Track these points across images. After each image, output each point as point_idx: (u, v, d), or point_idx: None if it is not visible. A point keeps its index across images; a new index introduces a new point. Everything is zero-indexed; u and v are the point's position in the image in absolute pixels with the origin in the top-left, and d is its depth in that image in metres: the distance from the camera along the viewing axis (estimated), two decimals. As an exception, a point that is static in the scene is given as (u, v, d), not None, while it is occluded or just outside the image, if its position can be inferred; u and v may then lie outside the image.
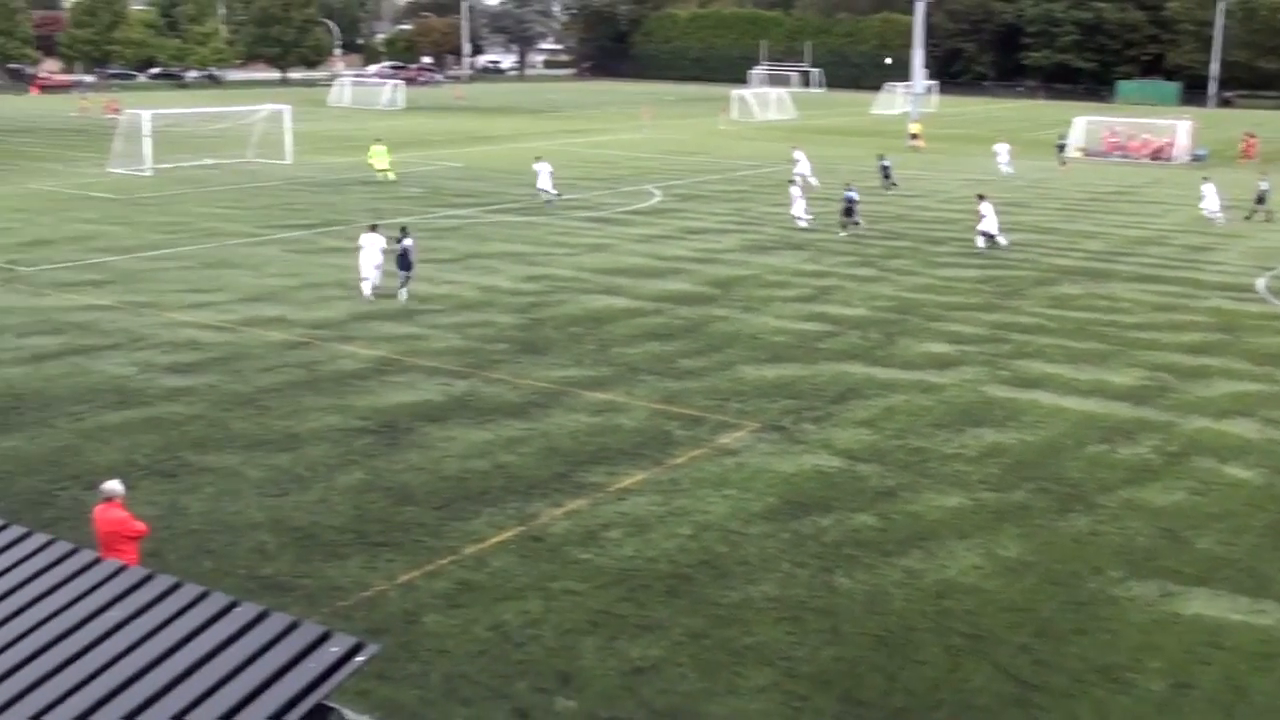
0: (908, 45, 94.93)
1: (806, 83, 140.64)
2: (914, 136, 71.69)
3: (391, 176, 50.47)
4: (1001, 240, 37.28)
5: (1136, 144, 69.39)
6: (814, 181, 50.59)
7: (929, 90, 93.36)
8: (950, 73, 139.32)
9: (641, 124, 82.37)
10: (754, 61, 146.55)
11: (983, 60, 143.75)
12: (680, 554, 15.07)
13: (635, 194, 48.65)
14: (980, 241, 37.25)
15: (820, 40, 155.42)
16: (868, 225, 41.61)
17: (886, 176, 51.48)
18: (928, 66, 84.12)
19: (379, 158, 50.81)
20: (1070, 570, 15.03)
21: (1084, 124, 71.00)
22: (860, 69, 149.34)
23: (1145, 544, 15.90)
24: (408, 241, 28.97)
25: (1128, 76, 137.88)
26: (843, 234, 39.35)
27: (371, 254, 29.08)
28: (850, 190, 40.78)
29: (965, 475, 18.06)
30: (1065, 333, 27.07)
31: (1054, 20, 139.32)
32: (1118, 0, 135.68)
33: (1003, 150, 59.29)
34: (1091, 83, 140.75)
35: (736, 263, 34.41)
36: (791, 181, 44.13)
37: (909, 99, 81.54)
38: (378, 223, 31.93)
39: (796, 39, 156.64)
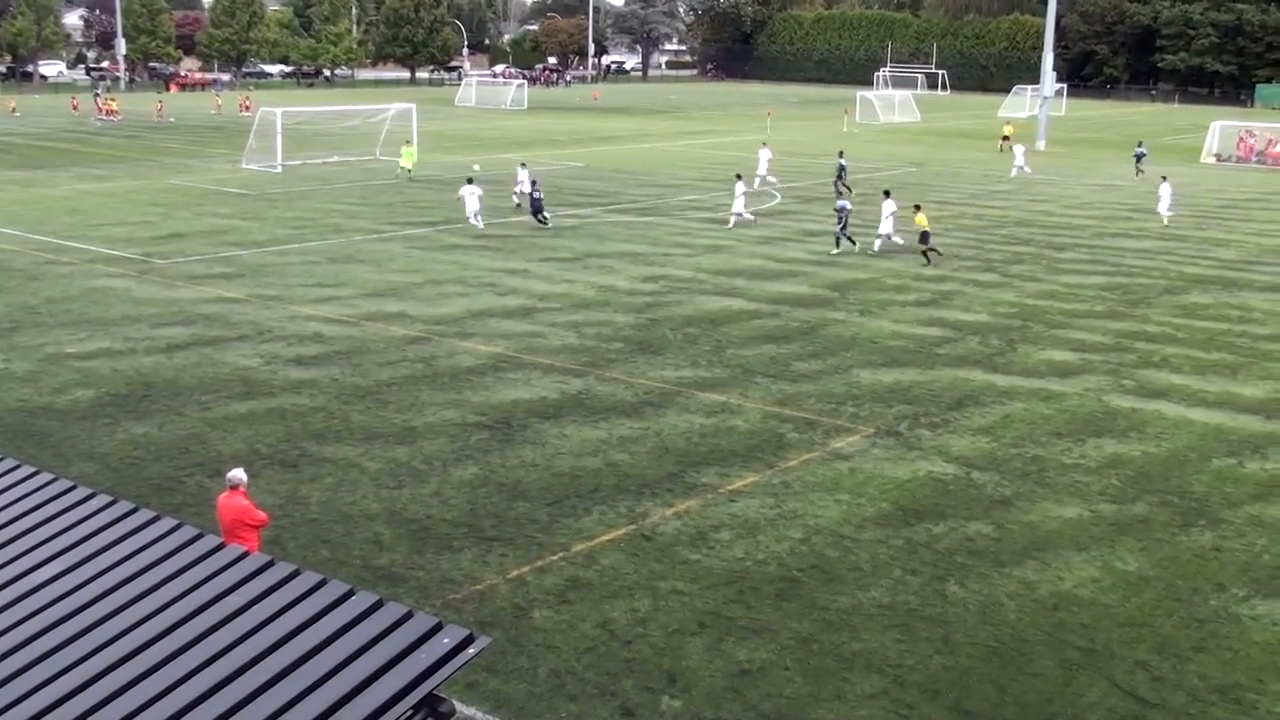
0: (1038, 47, 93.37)
1: (933, 85, 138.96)
2: (1005, 138, 70.63)
3: (409, 176, 50.93)
4: (876, 245, 36.38)
5: (1278, 150, 67.39)
6: (771, 179, 50.34)
7: (1058, 93, 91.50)
8: (1081, 75, 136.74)
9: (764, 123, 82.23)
10: (879, 63, 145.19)
11: (1115, 63, 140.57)
12: (790, 557, 15.03)
13: (756, 196, 48.59)
14: (876, 244, 36.29)
15: (948, 42, 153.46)
16: (991, 228, 41.02)
17: (840, 178, 49.00)
18: (1058, 69, 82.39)
19: (407, 158, 51.73)
20: (1191, 586, 14.65)
21: (1219, 129, 69.13)
22: (988, 71, 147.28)
23: (1271, 561, 15.42)
24: (536, 193, 39.31)
25: (1269, 80, 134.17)
26: (835, 251, 36.03)
27: (471, 201, 38.41)
28: (842, 200, 37.86)
29: (1084, 486, 17.69)
30: (1194, 343, 26.38)
31: (1191, 22, 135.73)
32: (1259, 1, 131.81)
33: (1019, 151, 59.21)
34: (1229, 86, 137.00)
35: (855, 266, 34.15)
36: (739, 177, 42.27)
37: (1038, 102, 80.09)
38: (472, 177, 40.65)
39: (923, 41, 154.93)
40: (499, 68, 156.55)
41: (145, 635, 6.58)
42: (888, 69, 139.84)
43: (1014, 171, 57.83)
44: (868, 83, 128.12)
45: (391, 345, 24.61)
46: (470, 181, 39.54)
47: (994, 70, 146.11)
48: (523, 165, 45.93)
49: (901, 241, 36.63)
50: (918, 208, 36.21)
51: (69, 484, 8.04)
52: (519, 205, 42.91)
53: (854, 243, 36.38)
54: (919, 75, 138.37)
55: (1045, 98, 76.76)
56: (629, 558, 14.90)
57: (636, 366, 23.47)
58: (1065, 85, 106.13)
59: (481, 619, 13.12)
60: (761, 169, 51.07)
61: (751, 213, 40.69)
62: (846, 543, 15.48)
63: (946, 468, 18.29)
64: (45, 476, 8.20)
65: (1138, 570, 14.98)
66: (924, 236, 35.02)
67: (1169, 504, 17.19)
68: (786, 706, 11.72)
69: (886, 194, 37.39)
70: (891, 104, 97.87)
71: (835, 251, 35.74)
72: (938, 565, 14.87)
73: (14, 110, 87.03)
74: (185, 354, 23.71)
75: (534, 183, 40.31)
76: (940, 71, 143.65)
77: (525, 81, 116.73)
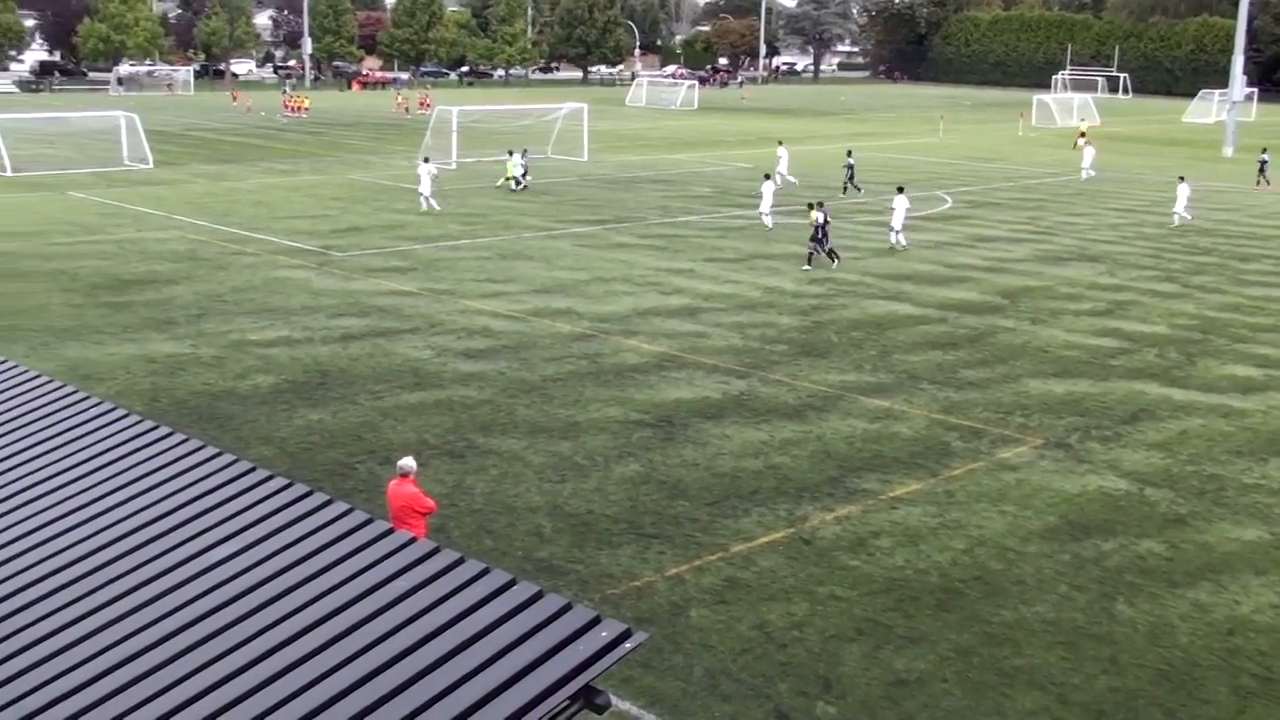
0: (1227, 50, 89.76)
1: (1114, 89, 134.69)
2: (1082, 135, 68.31)
3: (512, 186, 49.13)
4: (893, 239, 36.40)
5: None
6: (792, 180, 49.36)
7: (1247, 98, 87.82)
8: (1273, 80, 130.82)
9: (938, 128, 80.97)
10: (1058, 66, 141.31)
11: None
12: (952, 568, 14.74)
13: (926, 200, 47.76)
14: (893, 238, 36.42)
15: (1131, 44, 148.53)
16: (1172, 237, 39.61)
17: (850, 180, 49.00)
18: (1248, 73, 79.10)
19: (510, 169, 50.25)
20: None
21: None
22: (1173, 75, 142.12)
23: None
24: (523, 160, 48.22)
25: None
26: (807, 267, 32.76)
27: (425, 180, 42.25)
28: (820, 210, 33.54)
29: (1266, 508, 16.94)
30: None
31: None
32: None
33: (1089, 154, 58.06)
34: None
35: (1027, 273, 33.33)
36: (768, 177, 40.99)
37: (1225, 107, 77.03)
38: (429, 156, 46.36)
39: (1105, 43, 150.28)
40: (670, 68, 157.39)
41: (314, 615, 6.80)
42: (1067, 72, 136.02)
43: (1083, 175, 56.66)
44: (1045, 86, 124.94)
45: (558, 341, 24.93)
46: (427, 160, 43.43)
47: (1179, 74, 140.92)
48: (510, 152, 48.77)
49: (906, 243, 36.19)
50: (810, 205, 34.34)
51: (249, 466, 8.33)
52: (515, 189, 47.39)
53: (826, 254, 33.59)
54: (1099, 79, 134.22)
55: (1234, 103, 73.74)
56: (787, 561, 14.82)
57: (800, 369, 23.32)
58: (1256, 90, 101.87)
59: (639, 615, 13.19)
60: (782, 167, 50.50)
61: (771, 219, 39.28)
62: (1011, 555, 15.12)
63: (1118, 483, 17.73)
64: (227, 458, 8.52)
65: (1323, 598, 14.34)
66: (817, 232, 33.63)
67: (1358, 530, 16.44)
68: (944, 719, 11.52)
69: (900, 190, 36.79)
70: (1069, 108, 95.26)
71: (807, 268, 32.82)
72: (1106, 583, 14.42)
73: (239, 103, 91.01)
74: (359, 344, 24.41)
75: (525, 151, 49.65)
76: (1122, 75, 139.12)
77: (696, 82, 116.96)
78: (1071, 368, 23.87)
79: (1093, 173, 56.75)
